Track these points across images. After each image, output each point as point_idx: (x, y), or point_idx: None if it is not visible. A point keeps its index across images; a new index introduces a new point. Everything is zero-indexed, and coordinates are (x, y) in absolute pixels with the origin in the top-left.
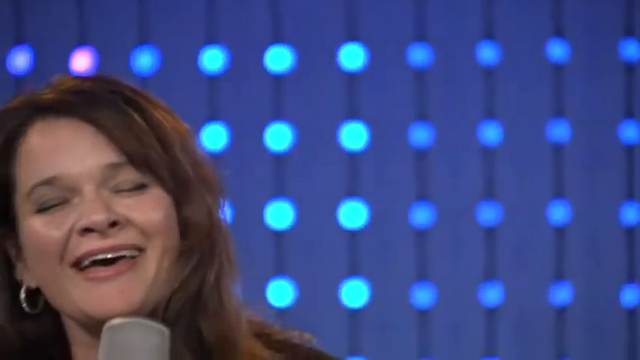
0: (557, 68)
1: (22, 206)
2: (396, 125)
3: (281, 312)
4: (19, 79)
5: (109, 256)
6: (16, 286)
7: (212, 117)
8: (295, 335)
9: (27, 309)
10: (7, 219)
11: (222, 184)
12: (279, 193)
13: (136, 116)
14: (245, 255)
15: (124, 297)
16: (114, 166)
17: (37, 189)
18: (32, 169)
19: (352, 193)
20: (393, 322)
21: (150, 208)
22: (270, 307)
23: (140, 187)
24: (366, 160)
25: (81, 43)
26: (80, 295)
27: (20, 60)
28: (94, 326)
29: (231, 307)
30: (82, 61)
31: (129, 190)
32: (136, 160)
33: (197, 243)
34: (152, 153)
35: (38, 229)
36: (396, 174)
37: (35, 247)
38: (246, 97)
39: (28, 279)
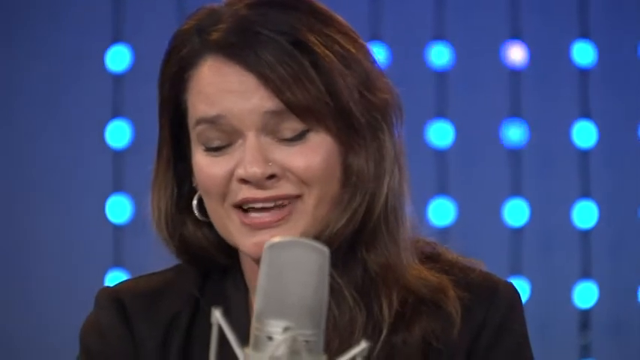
0: None
1: (192, 131)
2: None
3: (442, 231)
4: None
5: (267, 205)
6: (192, 191)
7: (374, 37)
8: (466, 260)
9: (199, 216)
10: (185, 131)
11: (398, 105)
12: (440, 113)
13: (304, 61)
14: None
15: None
16: (275, 114)
17: (202, 123)
18: (200, 103)
19: (514, 112)
20: (554, 241)
21: (309, 156)
22: (432, 226)
23: (301, 135)
24: (526, 80)
25: None
26: (238, 237)
27: None
28: None
29: (398, 234)
30: None
31: (290, 139)
32: (298, 109)
33: (360, 190)
34: (317, 102)
35: (203, 166)
36: (557, 92)
37: (200, 181)
38: (406, 17)
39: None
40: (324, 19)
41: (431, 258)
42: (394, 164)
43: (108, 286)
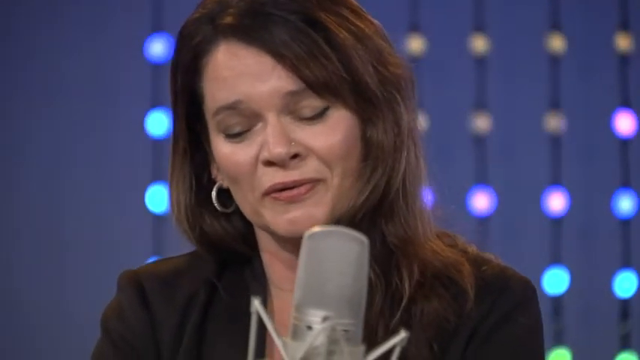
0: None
1: (210, 120)
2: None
3: (482, 220)
4: None
5: (293, 188)
6: (210, 182)
7: (412, 28)
8: (484, 254)
9: (218, 207)
10: (200, 121)
11: (411, 80)
12: (479, 103)
13: (318, 38)
14: (444, 162)
15: (311, 219)
16: (294, 94)
17: (221, 112)
18: (217, 90)
19: (554, 101)
20: (594, 231)
21: (331, 136)
22: (472, 215)
23: (321, 113)
24: (566, 69)
25: None
26: (272, 218)
27: None
28: (282, 238)
29: (416, 208)
30: None
31: (310, 118)
32: (317, 86)
33: (380, 163)
34: (334, 77)
35: (227, 154)
36: (597, 81)
37: (226, 170)
38: (445, 7)
39: (221, 179)
40: None
41: (449, 247)
42: (410, 137)
43: (129, 270)
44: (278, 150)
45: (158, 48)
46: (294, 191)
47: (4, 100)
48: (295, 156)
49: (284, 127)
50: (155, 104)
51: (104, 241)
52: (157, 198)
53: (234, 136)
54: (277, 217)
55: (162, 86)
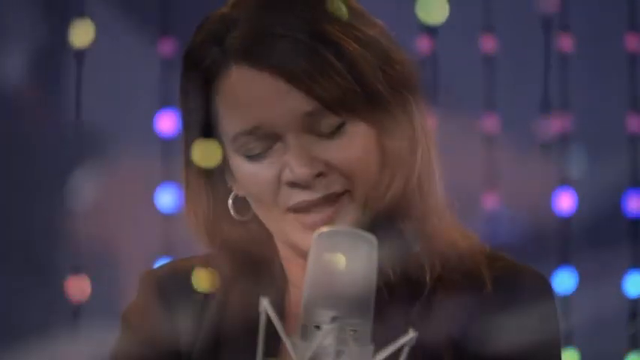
0: None
1: (228, 144)
2: None
3: (490, 220)
4: None
5: (318, 206)
6: (225, 191)
7: (422, 28)
8: (497, 251)
9: (235, 216)
10: (215, 137)
11: (418, 73)
12: (489, 102)
13: (328, 54)
14: (457, 163)
15: None
16: (311, 114)
17: (239, 137)
18: (233, 116)
19: (562, 101)
20: (604, 230)
21: (349, 151)
22: (480, 215)
23: (339, 128)
24: (574, 69)
25: None
26: (295, 236)
27: None
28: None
29: (431, 202)
30: None
31: (329, 134)
32: (333, 105)
33: (398, 169)
34: (348, 94)
35: (249, 174)
36: (606, 81)
37: (248, 189)
38: (457, 6)
39: (237, 188)
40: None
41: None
42: (423, 132)
43: (149, 269)
44: (302, 170)
45: (168, 49)
46: (319, 217)
47: (10, 97)
48: (318, 175)
49: (304, 147)
50: (165, 104)
51: (114, 241)
52: (167, 198)
53: (254, 158)
54: (305, 239)
55: (171, 86)
